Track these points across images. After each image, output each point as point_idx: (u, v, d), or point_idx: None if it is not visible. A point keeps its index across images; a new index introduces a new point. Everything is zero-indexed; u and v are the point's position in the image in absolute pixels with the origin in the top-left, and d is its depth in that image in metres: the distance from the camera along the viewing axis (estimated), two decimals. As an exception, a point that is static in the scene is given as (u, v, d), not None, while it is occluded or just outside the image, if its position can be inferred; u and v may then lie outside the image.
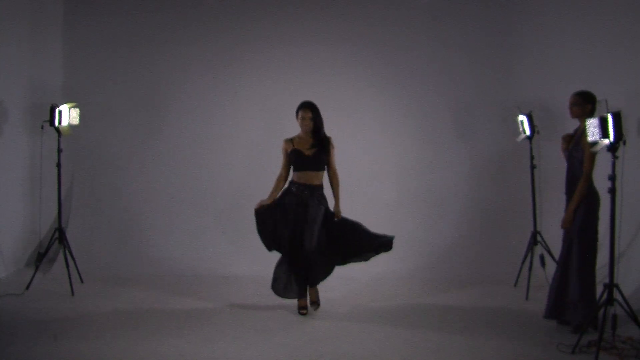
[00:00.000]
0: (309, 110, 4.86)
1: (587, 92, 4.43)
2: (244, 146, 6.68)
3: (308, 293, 4.98)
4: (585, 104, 4.37)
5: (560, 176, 5.84)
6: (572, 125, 5.08)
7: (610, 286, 3.96)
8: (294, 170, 4.90)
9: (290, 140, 4.93)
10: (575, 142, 4.42)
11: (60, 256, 5.90)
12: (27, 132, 6.41)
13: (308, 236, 4.76)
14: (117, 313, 4.93)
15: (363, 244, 4.92)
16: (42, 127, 5.60)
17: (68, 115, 5.58)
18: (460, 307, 5.22)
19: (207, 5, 6.77)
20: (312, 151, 4.86)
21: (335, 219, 4.87)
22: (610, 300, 3.96)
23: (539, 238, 5.54)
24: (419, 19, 6.68)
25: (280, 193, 4.93)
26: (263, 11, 6.74)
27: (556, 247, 5.43)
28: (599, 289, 4.19)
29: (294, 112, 4.95)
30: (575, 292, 4.31)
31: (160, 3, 6.82)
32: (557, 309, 4.47)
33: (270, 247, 4.94)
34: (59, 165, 5.58)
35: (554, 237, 5.60)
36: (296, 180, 4.87)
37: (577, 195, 4.33)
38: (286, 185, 4.94)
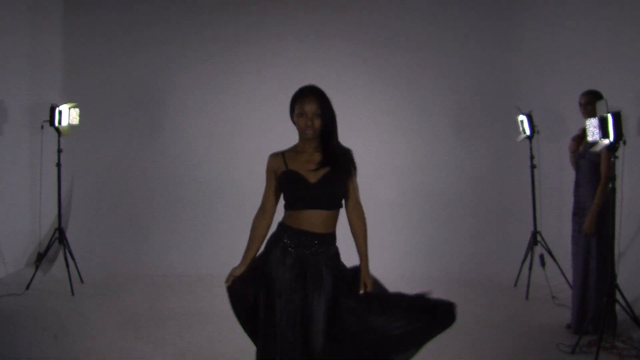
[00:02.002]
0: (315, 101, 2.79)
1: (596, 90, 4.40)
2: (245, 146, 6.65)
3: None
4: (597, 102, 4.22)
5: (560, 176, 5.88)
6: (572, 125, 5.09)
7: (611, 286, 3.95)
8: (286, 208, 2.86)
9: (281, 156, 2.87)
10: (589, 144, 4.26)
11: (60, 256, 5.90)
12: (27, 132, 6.39)
13: (315, 328, 2.70)
14: (117, 313, 4.93)
15: (403, 335, 2.77)
16: (42, 127, 5.60)
17: (68, 115, 5.58)
18: (460, 306, 5.11)
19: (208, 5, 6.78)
20: (319, 174, 2.78)
21: (361, 293, 2.79)
22: (610, 301, 3.95)
23: (539, 238, 5.52)
24: (418, 18, 6.66)
25: (263, 246, 2.93)
26: (263, 11, 6.73)
27: (556, 248, 5.49)
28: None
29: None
30: (595, 304, 4.22)
31: (160, 2, 6.81)
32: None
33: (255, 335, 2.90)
34: (58, 165, 5.60)
35: (554, 237, 5.65)
36: (290, 224, 2.81)
37: (597, 199, 4.21)
38: (274, 230, 2.91)
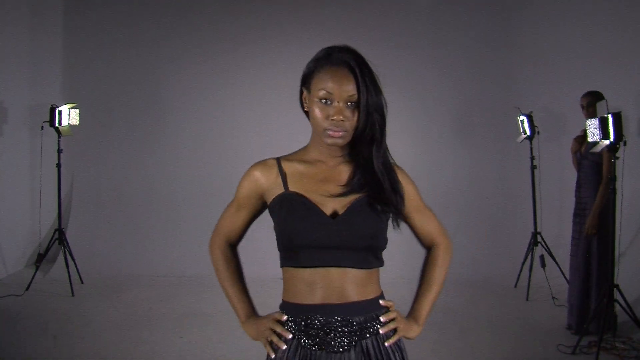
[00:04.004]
0: (352, 79, 1.53)
1: (597, 91, 4.39)
2: (246, 146, 6.58)
3: None
4: (599, 103, 4.18)
5: (560, 177, 5.86)
6: (572, 125, 5.08)
7: (611, 286, 3.94)
8: (284, 263, 1.61)
9: (276, 166, 1.64)
10: (591, 144, 4.24)
11: (60, 257, 5.87)
12: (27, 133, 6.39)
13: None
14: (117, 314, 4.91)
15: None
16: (42, 128, 5.57)
17: (68, 115, 5.56)
18: (460, 308, 5.18)
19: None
20: (345, 202, 1.56)
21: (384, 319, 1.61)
22: (610, 301, 3.94)
23: (539, 239, 5.49)
24: (418, 19, 6.65)
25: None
26: (264, 11, 6.71)
27: (556, 248, 5.48)
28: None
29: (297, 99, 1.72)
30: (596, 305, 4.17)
31: (160, 3, 6.79)
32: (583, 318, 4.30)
33: None
34: (58, 165, 5.57)
35: (554, 237, 5.64)
36: (291, 300, 1.62)
37: (599, 199, 4.20)
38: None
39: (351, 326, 1.54)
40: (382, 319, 1.60)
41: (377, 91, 1.56)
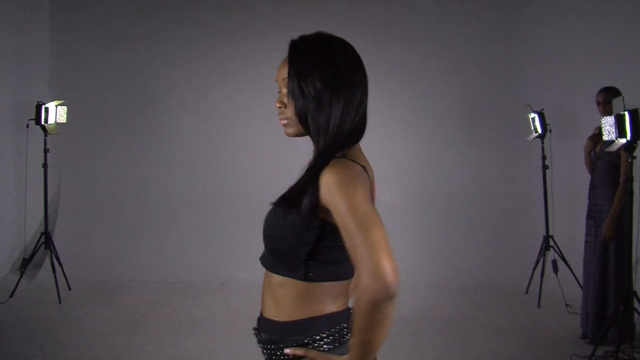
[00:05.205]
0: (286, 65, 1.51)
1: (613, 87, 4.28)
2: (242, 147, 6.55)
3: None
4: (615, 99, 4.08)
5: (573, 177, 5.76)
6: (585, 123, 4.96)
7: (628, 294, 3.80)
8: None
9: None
10: (606, 143, 4.12)
11: (47, 262, 5.78)
12: (11, 131, 6.25)
13: None
14: (106, 321, 4.85)
15: None
16: (28, 126, 5.49)
17: (55, 113, 5.50)
18: (468, 314, 5.12)
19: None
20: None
21: None
22: (627, 309, 3.80)
23: (551, 242, 5.40)
24: (425, 15, 6.60)
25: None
26: (261, 6, 6.62)
27: (569, 253, 5.39)
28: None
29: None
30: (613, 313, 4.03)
31: (150, -2, 6.74)
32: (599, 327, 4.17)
33: None
34: (45, 165, 5.52)
35: (567, 241, 5.55)
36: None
37: (617, 201, 4.07)
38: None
39: (263, 343, 1.50)
40: (286, 351, 1.43)
41: (313, 75, 1.44)
